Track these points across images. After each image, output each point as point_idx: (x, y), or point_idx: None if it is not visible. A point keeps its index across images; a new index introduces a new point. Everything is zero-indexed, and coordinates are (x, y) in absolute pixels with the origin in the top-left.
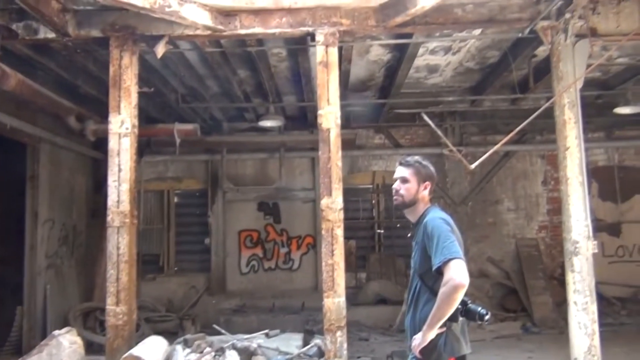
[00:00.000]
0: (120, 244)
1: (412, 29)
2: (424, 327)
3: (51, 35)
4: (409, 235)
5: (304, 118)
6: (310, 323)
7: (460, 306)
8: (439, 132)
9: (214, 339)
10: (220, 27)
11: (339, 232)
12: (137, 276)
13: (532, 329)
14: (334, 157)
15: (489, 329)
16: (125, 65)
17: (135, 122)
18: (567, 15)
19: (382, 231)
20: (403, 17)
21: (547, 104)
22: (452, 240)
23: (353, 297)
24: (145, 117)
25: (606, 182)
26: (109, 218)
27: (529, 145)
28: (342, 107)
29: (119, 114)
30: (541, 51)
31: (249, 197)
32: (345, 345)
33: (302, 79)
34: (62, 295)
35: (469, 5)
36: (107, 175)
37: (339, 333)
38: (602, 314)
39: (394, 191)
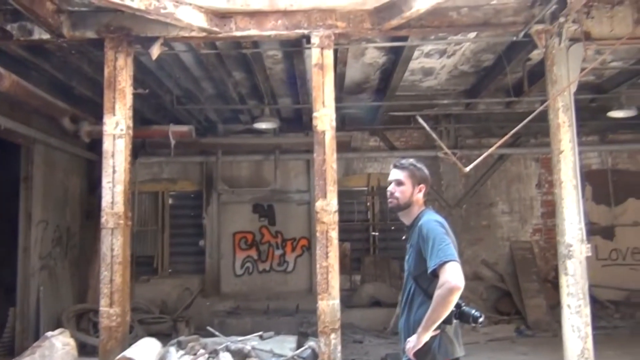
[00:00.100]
0: (114, 245)
1: (408, 31)
2: (419, 330)
3: (46, 36)
4: (403, 237)
5: (299, 120)
6: (304, 325)
7: (454, 309)
8: (434, 135)
9: (208, 340)
10: (215, 29)
11: (334, 234)
12: (130, 278)
13: (525, 331)
14: (329, 159)
15: (482, 332)
16: (120, 67)
17: (130, 123)
18: (561, 19)
19: (376, 233)
20: (398, 20)
21: (541, 108)
22: (447, 243)
23: (347, 300)
24: (140, 118)
25: (600, 186)
26: (103, 219)
27: (523, 148)
28: (338, 109)
29: (114, 115)
30: (535, 55)
31: (244, 199)
32: (339, 348)
33: (298, 81)
34: (55, 296)
35: (464, 9)
36: (101, 176)
37: (333, 335)
38: (595, 317)
39: (388, 194)
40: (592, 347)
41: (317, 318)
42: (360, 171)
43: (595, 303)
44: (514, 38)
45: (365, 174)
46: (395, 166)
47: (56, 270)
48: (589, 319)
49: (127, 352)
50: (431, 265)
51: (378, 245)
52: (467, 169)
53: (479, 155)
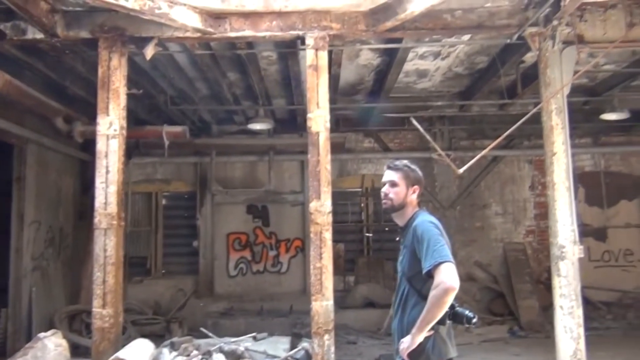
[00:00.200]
0: (107, 246)
1: (402, 33)
2: (413, 330)
3: (39, 35)
4: (397, 239)
5: (294, 121)
6: (298, 326)
7: (448, 309)
8: (428, 137)
9: (201, 342)
10: (210, 29)
11: (328, 235)
12: (124, 279)
13: (518, 332)
14: (323, 160)
15: (476, 333)
16: (114, 67)
17: (124, 123)
18: (555, 22)
19: (370, 235)
20: (393, 22)
21: (534, 110)
22: (442, 244)
23: (341, 301)
24: (134, 118)
25: (592, 188)
26: (96, 220)
27: (516, 150)
28: (332, 110)
29: (108, 115)
30: (529, 57)
31: (238, 199)
32: (332, 349)
33: (292, 82)
34: (47, 297)
35: (458, 11)
36: (94, 177)
37: (326, 336)
38: (587, 318)
39: (382, 195)
40: (585, 348)
41: (310, 319)
42: (355, 172)
43: (588, 304)
44: (508, 40)
45: (359, 175)
46: (389, 167)
47: (49, 271)
48: (581, 320)
49: (120, 353)
50: (426, 266)
51: (372, 247)
52: (461, 170)
53: (473, 157)
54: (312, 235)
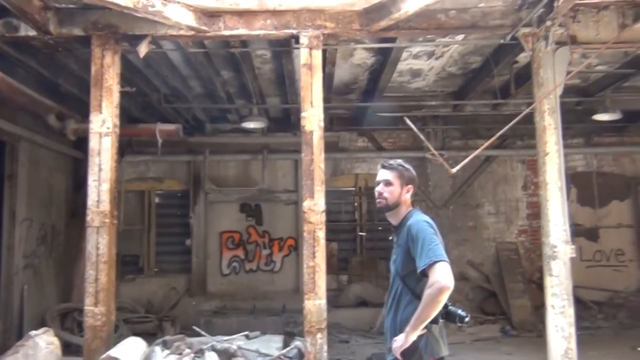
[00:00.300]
0: (99, 244)
1: (396, 33)
2: (407, 329)
3: (32, 33)
4: (390, 238)
5: (287, 120)
6: (290, 325)
7: (441, 308)
8: (422, 136)
9: (194, 340)
10: (204, 27)
11: (321, 234)
12: (116, 277)
13: (510, 332)
14: (316, 159)
15: (468, 332)
16: (107, 65)
17: (117, 121)
18: (548, 23)
19: (364, 234)
20: (387, 22)
21: (527, 110)
22: (437, 243)
23: (334, 300)
24: (127, 116)
25: (585, 188)
26: (88, 218)
27: (509, 150)
28: (326, 109)
29: (101, 113)
30: (522, 57)
31: (231, 198)
32: (325, 347)
33: (286, 81)
34: (39, 295)
35: (452, 11)
36: (87, 174)
37: (319, 335)
38: (579, 317)
39: (377, 194)
40: (576, 347)
41: (303, 318)
42: (348, 171)
43: (579, 304)
44: (502, 41)
45: (353, 175)
46: (384, 166)
47: (40, 268)
48: (572, 320)
49: (112, 352)
50: (421, 265)
51: (365, 246)
52: (454, 170)
53: (466, 157)
54: (305, 234)
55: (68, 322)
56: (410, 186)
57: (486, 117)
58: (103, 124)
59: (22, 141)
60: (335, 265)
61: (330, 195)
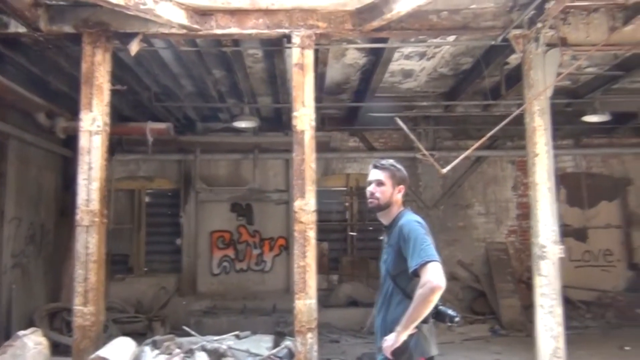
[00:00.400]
0: (89, 243)
1: (388, 33)
2: (398, 328)
3: (22, 29)
4: (381, 238)
5: (279, 119)
6: (281, 325)
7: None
8: (412, 137)
9: (184, 340)
10: (195, 26)
11: (312, 234)
12: (105, 276)
13: (500, 331)
14: (308, 159)
15: (458, 332)
16: (98, 62)
17: (107, 120)
18: (539, 25)
19: (355, 234)
20: (379, 22)
21: (518, 111)
22: (428, 243)
23: (325, 299)
24: (118, 115)
25: (574, 189)
26: (78, 217)
27: (500, 151)
28: (317, 109)
29: (91, 111)
30: (513, 59)
31: (222, 197)
32: (315, 347)
33: (278, 81)
34: (28, 295)
35: (443, 12)
36: (76, 173)
37: (309, 335)
38: (567, 317)
39: (369, 194)
40: (564, 346)
41: (294, 317)
42: (340, 171)
43: (568, 303)
44: (493, 42)
45: (344, 174)
46: (376, 166)
47: (29, 268)
48: (561, 319)
49: (101, 352)
50: (413, 265)
51: (356, 246)
52: (445, 170)
53: (457, 157)
54: (296, 233)
55: (57, 322)
56: (401, 186)
57: (477, 118)
58: (93, 122)
59: (11, 139)
60: (325, 265)
61: (321, 195)
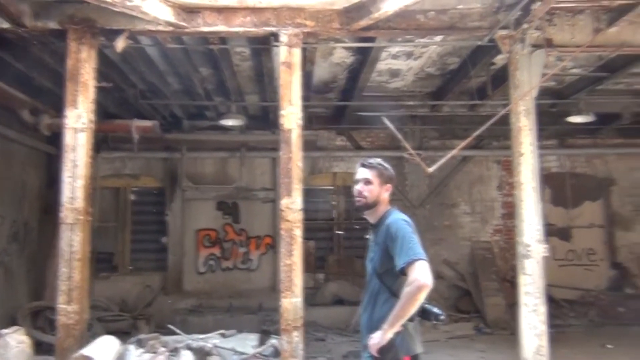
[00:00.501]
0: (73, 241)
1: (376, 33)
2: (384, 326)
3: (6, 25)
4: (367, 236)
5: (266, 118)
6: (267, 323)
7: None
8: (399, 136)
9: (169, 339)
10: (182, 23)
11: (298, 232)
12: (90, 275)
13: (484, 329)
14: (294, 157)
15: (443, 330)
16: (84, 59)
17: (92, 117)
18: (525, 26)
19: (341, 232)
20: (367, 21)
21: (503, 111)
22: (416, 242)
23: (311, 298)
24: (103, 112)
25: (558, 188)
26: (62, 214)
27: (485, 150)
28: (305, 108)
29: (76, 108)
30: (499, 59)
31: (208, 196)
32: (301, 346)
33: (265, 79)
34: (10, 293)
35: (431, 12)
36: (61, 170)
37: (295, 333)
38: (551, 315)
39: (356, 192)
40: (547, 344)
41: (280, 316)
42: (326, 170)
43: (551, 302)
44: (479, 42)
45: (331, 173)
46: (364, 165)
47: (12, 266)
48: (545, 317)
49: (85, 350)
50: (400, 264)
51: (342, 244)
52: (431, 169)
53: (443, 157)
54: (282, 232)
55: (40, 320)
56: (389, 185)
57: (463, 118)
58: (78, 120)
59: None
60: (312, 264)
61: (308, 193)
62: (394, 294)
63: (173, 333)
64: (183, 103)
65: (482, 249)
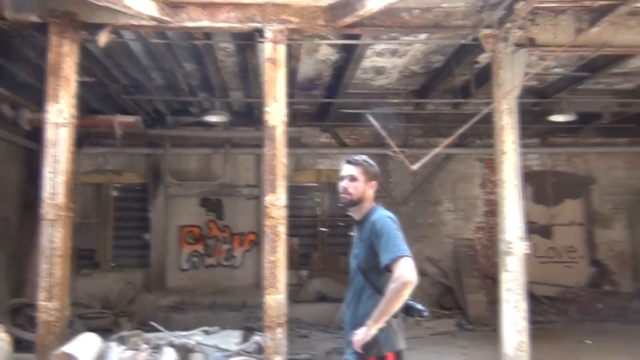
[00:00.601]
0: (54, 237)
1: (361, 30)
2: (369, 322)
3: None
4: (351, 233)
5: (250, 114)
6: (250, 320)
7: None
8: (384, 133)
9: (151, 336)
10: (166, 18)
11: (282, 229)
12: (71, 271)
13: (466, 326)
14: (279, 154)
15: (425, 326)
16: (65, 53)
17: (74, 112)
18: (508, 25)
19: (325, 229)
20: (352, 18)
21: (486, 110)
22: (401, 239)
23: (294, 295)
24: (86, 107)
25: (539, 186)
26: (43, 210)
27: (468, 148)
28: (289, 104)
29: (57, 103)
30: (483, 58)
31: (192, 192)
32: (285, 342)
33: (250, 75)
34: None
35: (415, 10)
36: (42, 166)
37: (279, 330)
38: (532, 312)
39: (342, 189)
40: (528, 340)
41: (263, 313)
42: (311, 167)
43: (532, 299)
44: (463, 41)
45: (315, 170)
46: (349, 162)
47: None
48: (526, 314)
49: (66, 348)
50: (385, 260)
51: (326, 241)
52: (415, 167)
53: (427, 154)
54: (266, 228)
55: (19, 318)
56: (374, 182)
57: (447, 116)
58: (60, 114)
59: None
60: (296, 261)
61: (292, 190)
62: (378, 291)
63: (155, 330)
64: (166, 99)
65: (464, 246)
